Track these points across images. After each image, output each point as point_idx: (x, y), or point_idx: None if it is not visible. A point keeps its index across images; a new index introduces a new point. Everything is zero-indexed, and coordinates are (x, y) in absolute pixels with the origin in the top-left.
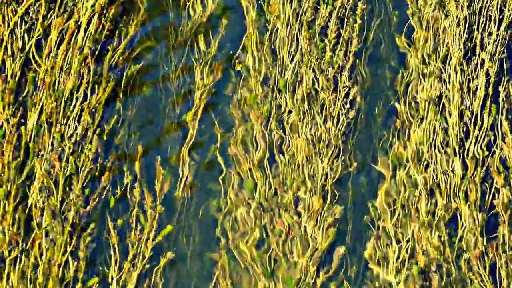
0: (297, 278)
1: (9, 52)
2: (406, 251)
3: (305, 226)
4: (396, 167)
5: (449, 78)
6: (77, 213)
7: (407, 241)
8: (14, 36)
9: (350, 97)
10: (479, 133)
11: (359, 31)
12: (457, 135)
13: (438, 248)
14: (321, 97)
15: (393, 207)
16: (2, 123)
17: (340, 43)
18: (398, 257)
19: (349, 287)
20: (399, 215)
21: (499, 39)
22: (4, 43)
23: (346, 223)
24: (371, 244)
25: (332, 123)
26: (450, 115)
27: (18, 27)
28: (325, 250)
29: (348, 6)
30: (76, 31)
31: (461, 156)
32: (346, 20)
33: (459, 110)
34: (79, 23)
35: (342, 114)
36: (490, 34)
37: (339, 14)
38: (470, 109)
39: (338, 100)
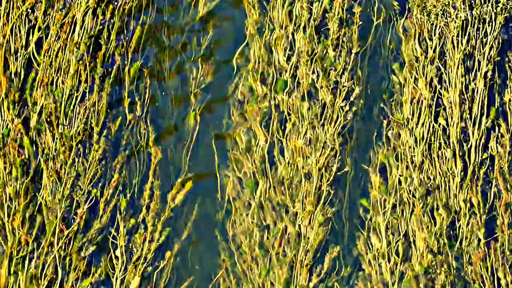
0: (289, 277)
1: (13, 50)
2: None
3: (299, 225)
4: (388, 167)
5: (449, 80)
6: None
7: (396, 242)
8: (18, 34)
9: (352, 98)
10: (478, 136)
11: (357, 32)
12: (457, 137)
13: (437, 250)
14: (320, 97)
15: (383, 209)
16: (8, 122)
17: (341, 44)
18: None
19: (339, 287)
20: (390, 215)
21: (491, 43)
22: (6, 39)
23: (342, 222)
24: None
25: (330, 124)
26: (451, 117)
27: (23, 24)
28: (318, 249)
29: (344, 6)
30: (72, 27)
31: (461, 158)
32: (345, 21)
33: (459, 112)
34: (74, 19)
35: (340, 116)
36: (485, 36)
37: (338, 14)
38: (469, 112)
39: (337, 102)
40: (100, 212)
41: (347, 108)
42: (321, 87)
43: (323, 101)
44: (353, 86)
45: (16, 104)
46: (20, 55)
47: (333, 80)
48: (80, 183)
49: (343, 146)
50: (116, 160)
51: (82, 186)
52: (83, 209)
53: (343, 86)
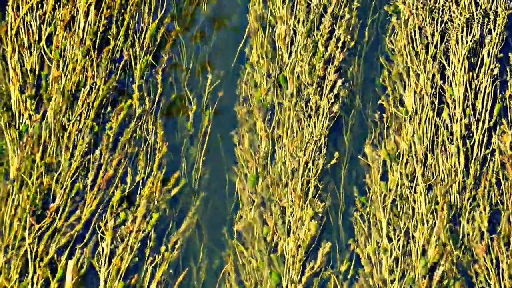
0: (283, 273)
1: (26, 45)
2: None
3: (289, 221)
4: (387, 163)
5: (453, 76)
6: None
7: (399, 239)
8: (31, 29)
9: (335, 91)
10: (481, 132)
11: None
12: (460, 132)
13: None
14: (306, 92)
15: (383, 205)
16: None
17: (332, 39)
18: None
19: (336, 281)
20: (390, 210)
21: (495, 41)
22: (14, 32)
23: (338, 218)
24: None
25: (317, 118)
26: (454, 114)
27: (34, 20)
28: (310, 244)
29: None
30: (77, 22)
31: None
32: (339, 16)
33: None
34: (79, 13)
35: (326, 109)
36: (489, 33)
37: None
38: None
39: (324, 94)
40: (87, 206)
41: (334, 100)
42: (309, 83)
43: (309, 95)
44: (337, 78)
45: (33, 100)
46: (34, 50)
47: (321, 73)
48: (61, 177)
49: (336, 139)
50: (113, 156)
51: (62, 179)
52: (58, 203)
53: (330, 81)
